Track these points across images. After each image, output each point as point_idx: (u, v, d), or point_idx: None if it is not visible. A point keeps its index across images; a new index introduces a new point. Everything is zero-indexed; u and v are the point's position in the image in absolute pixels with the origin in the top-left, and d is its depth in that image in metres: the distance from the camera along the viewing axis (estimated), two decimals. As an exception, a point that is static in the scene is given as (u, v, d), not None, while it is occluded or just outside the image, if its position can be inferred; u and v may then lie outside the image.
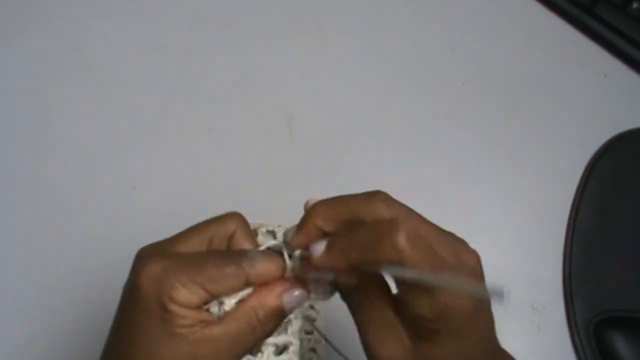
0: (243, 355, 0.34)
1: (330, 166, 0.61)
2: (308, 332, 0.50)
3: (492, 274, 0.60)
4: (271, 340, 0.37)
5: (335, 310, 0.38)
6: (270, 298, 0.34)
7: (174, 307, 0.32)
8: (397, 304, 0.34)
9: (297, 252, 0.35)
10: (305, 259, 0.35)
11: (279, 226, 0.43)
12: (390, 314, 0.34)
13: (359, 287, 0.34)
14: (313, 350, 0.50)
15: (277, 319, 0.35)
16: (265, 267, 0.34)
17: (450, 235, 0.34)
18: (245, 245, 0.35)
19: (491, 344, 0.34)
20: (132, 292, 0.33)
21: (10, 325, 0.56)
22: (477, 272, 0.33)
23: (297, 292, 0.35)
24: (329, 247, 0.33)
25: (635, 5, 0.64)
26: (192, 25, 0.66)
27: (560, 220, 0.60)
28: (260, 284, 0.34)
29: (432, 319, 0.32)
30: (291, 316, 0.37)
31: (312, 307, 0.51)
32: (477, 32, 0.66)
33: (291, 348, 0.38)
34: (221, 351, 0.33)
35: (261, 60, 0.65)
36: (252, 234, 0.37)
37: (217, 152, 0.61)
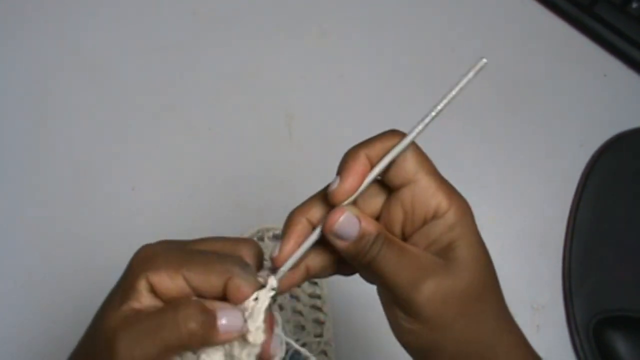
0: (165, 350, 0.32)
1: (330, 166, 0.61)
2: (317, 335, 0.49)
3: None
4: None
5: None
6: (208, 301, 0.33)
7: (141, 286, 0.33)
8: (408, 225, 0.35)
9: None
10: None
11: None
12: (414, 250, 0.35)
13: (381, 242, 0.35)
14: (324, 352, 0.49)
15: (202, 322, 0.32)
16: (244, 288, 0.33)
17: None
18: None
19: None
20: (124, 272, 0.35)
21: (10, 325, 0.56)
22: (468, 207, 0.36)
23: (231, 318, 0.33)
24: (349, 159, 0.36)
25: (634, 5, 0.64)
26: (192, 26, 0.66)
27: (560, 220, 0.60)
28: (231, 294, 0.33)
29: (447, 207, 0.34)
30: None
31: (315, 286, 0.50)
32: (477, 32, 0.66)
33: None
34: (137, 335, 0.32)
35: (261, 60, 0.65)
36: (260, 261, 0.36)
37: (217, 152, 0.61)
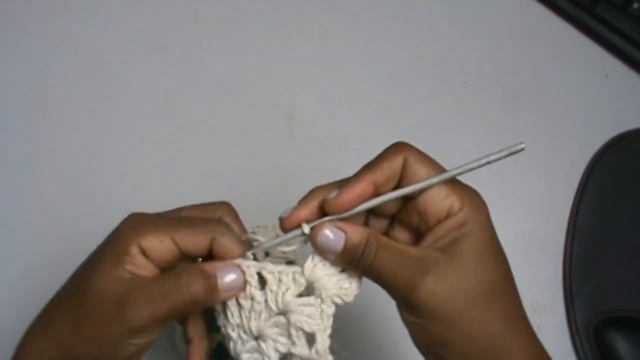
0: (170, 314, 0.35)
1: (330, 166, 0.61)
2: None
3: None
4: (297, 351, 0.36)
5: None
6: (207, 266, 0.36)
7: (134, 250, 0.35)
8: (420, 226, 0.36)
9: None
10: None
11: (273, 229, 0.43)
12: (413, 250, 0.35)
13: (374, 244, 0.35)
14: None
15: (204, 287, 0.35)
16: (228, 245, 0.36)
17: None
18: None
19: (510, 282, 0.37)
20: (108, 238, 0.37)
21: (9, 326, 0.56)
22: (484, 203, 0.37)
23: (232, 275, 0.36)
24: (352, 181, 0.36)
25: (635, 5, 0.64)
26: (193, 26, 0.66)
27: (560, 220, 0.60)
28: (218, 253, 0.36)
29: (459, 208, 0.35)
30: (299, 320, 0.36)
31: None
32: (478, 31, 0.66)
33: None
34: (144, 300, 0.34)
35: (261, 60, 0.65)
36: (239, 222, 0.40)
37: (217, 151, 0.61)
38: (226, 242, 0.36)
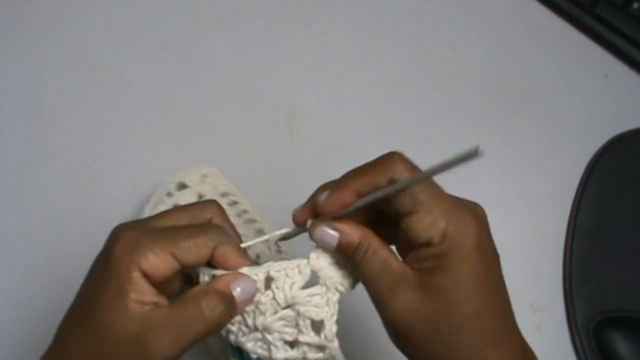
0: (193, 342, 0.34)
1: (330, 166, 0.61)
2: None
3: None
4: (304, 339, 0.38)
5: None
6: (220, 284, 0.35)
7: (136, 276, 0.33)
8: (404, 244, 0.36)
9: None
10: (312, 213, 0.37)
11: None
12: (395, 264, 0.35)
13: (363, 248, 0.35)
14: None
15: (225, 306, 0.35)
16: (232, 254, 0.36)
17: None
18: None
19: (500, 288, 0.35)
20: (103, 261, 0.35)
21: (9, 326, 0.56)
22: (481, 213, 0.36)
23: (245, 286, 0.36)
24: (335, 186, 0.35)
25: (635, 5, 0.64)
26: (192, 25, 0.66)
27: (560, 220, 0.60)
28: (220, 262, 0.36)
29: (438, 241, 0.33)
30: (302, 309, 0.37)
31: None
32: (477, 31, 0.66)
33: (328, 350, 0.38)
34: (166, 334, 0.33)
35: (261, 59, 0.65)
36: (228, 220, 0.39)
37: (217, 151, 0.61)
38: (230, 251, 0.36)
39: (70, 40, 0.65)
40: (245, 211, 0.52)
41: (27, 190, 0.60)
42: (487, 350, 0.34)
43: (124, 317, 0.33)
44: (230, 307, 0.35)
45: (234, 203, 0.53)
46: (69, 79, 0.63)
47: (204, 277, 0.37)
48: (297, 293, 0.37)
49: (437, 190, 0.35)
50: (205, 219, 0.38)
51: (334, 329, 0.37)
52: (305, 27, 0.66)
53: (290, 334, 0.37)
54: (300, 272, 0.37)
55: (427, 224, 0.34)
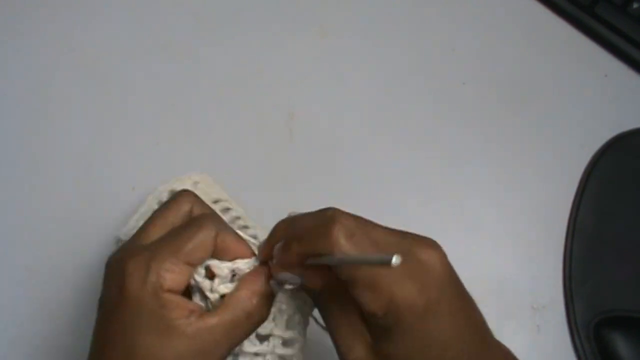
0: (239, 344, 0.35)
1: (330, 166, 0.61)
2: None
3: (492, 274, 0.60)
4: (278, 332, 0.39)
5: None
6: (258, 285, 0.36)
7: (166, 296, 0.33)
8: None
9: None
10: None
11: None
12: (356, 319, 0.34)
13: (327, 294, 0.35)
14: None
15: (269, 303, 0.36)
16: (232, 242, 0.36)
17: (405, 235, 0.34)
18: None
19: (458, 344, 0.33)
20: (117, 297, 0.33)
21: (9, 326, 0.56)
22: (432, 268, 0.32)
23: (282, 276, 0.36)
24: (282, 247, 0.35)
25: (635, 5, 0.64)
26: (192, 25, 0.66)
27: (560, 220, 0.60)
28: (227, 253, 0.36)
29: (381, 316, 0.32)
30: (283, 306, 0.39)
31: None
32: (478, 31, 0.66)
33: (297, 345, 0.39)
34: (220, 341, 0.34)
35: (261, 59, 0.64)
36: (207, 206, 0.39)
37: (217, 151, 0.61)
38: (229, 238, 0.36)
39: (70, 40, 0.65)
40: (237, 217, 0.52)
41: (26, 190, 0.60)
42: None
43: (173, 338, 0.32)
44: (269, 301, 0.36)
45: (226, 209, 0.53)
46: (68, 79, 0.63)
47: (221, 270, 0.37)
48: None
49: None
50: (186, 211, 0.37)
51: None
52: (305, 28, 0.66)
53: (264, 327, 0.38)
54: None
55: (369, 299, 0.32)
